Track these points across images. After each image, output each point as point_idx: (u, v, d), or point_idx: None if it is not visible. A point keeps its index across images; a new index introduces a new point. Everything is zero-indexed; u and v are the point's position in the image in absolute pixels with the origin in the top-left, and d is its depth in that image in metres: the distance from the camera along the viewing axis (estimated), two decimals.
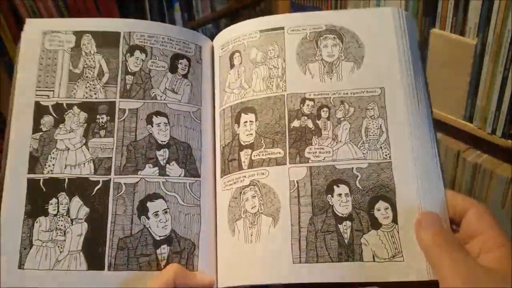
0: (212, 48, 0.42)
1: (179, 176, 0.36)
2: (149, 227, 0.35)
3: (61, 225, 0.35)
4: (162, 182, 0.36)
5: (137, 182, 0.36)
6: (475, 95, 1.03)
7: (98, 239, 0.34)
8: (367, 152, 0.35)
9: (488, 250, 0.28)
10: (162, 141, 0.37)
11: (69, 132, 0.37)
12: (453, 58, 1.01)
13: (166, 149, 0.37)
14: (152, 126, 0.37)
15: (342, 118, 0.36)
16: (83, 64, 0.38)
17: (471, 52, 0.98)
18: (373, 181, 0.34)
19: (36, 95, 0.37)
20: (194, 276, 0.34)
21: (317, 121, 0.36)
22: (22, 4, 1.09)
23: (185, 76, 0.39)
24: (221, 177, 0.37)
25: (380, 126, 0.35)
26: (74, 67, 0.38)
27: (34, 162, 0.36)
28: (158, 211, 0.35)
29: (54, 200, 0.35)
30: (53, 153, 0.36)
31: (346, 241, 0.33)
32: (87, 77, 0.38)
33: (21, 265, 0.34)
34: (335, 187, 0.34)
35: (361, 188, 0.34)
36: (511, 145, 1.01)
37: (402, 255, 0.32)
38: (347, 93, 0.36)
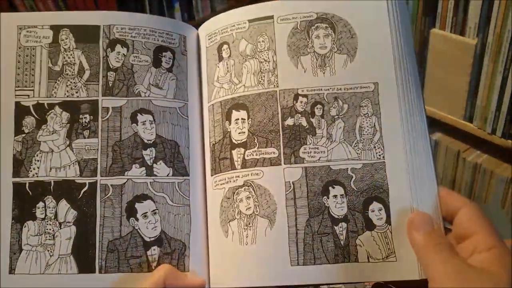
0: (198, 37, 0.40)
1: (167, 175, 0.35)
2: (139, 228, 0.34)
3: (50, 229, 0.34)
4: (150, 182, 0.35)
5: (124, 183, 0.35)
6: (475, 95, 1.02)
7: (88, 242, 0.34)
8: (361, 152, 0.34)
9: (479, 251, 0.28)
10: (148, 140, 0.36)
11: (52, 134, 0.36)
12: (453, 58, 1.00)
13: (153, 148, 0.36)
14: (137, 125, 0.36)
15: (336, 116, 0.35)
16: (62, 61, 0.37)
17: (471, 52, 0.97)
18: (367, 182, 0.34)
19: (16, 95, 0.36)
20: (185, 277, 0.33)
21: (311, 119, 0.35)
22: (22, 4, 1.06)
23: (169, 69, 0.37)
24: (212, 175, 0.36)
25: (374, 125, 0.34)
26: (53, 64, 0.37)
27: (19, 165, 0.35)
28: (147, 212, 0.34)
29: (41, 204, 0.35)
30: (37, 155, 0.35)
31: (342, 242, 0.33)
32: (67, 74, 0.37)
33: (11, 270, 0.34)
34: (330, 188, 0.34)
35: (355, 189, 0.34)
36: (511, 145, 1.00)
37: (395, 255, 0.32)
38: (340, 89, 0.35)
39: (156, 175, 0.35)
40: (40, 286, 0.33)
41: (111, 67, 0.37)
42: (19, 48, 0.36)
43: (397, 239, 0.32)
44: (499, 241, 0.28)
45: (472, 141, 1.09)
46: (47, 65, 0.36)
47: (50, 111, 0.36)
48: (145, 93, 0.36)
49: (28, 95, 0.36)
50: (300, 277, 0.33)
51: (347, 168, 0.34)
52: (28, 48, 0.37)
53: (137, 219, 0.34)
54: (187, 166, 0.36)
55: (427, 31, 1.03)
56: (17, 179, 0.35)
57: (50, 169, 0.35)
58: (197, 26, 0.40)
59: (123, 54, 0.37)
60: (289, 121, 0.35)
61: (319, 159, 0.34)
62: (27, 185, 0.35)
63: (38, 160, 0.35)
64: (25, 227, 0.34)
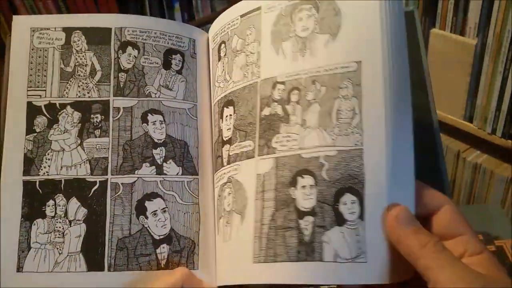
0: (208, 40, 0.41)
1: (177, 174, 0.36)
2: (148, 226, 0.35)
3: (59, 227, 0.35)
4: (160, 181, 0.36)
5: (134, 182, 0.35)
6: (475, 95, 1.03)
7: (97, 240, 0.34)
8: (336, 138, 0.30)
9: (471, 254, 0.27)
10: (158, 140, 0.36)
11: (64, 133, 0.36)
12: (453, 58, 1.01)
13: (163, 147, 0.36)
14: (148, 125, 0.37)
15: (313, 100, 0.31)
16: (74, 62, 0.37)
17: (471, 52, 0.98)
18: (342, 171, 0.29)
19: (28, 95, 0.37)
20: (200, 282, 0.34)
21: (287, 106, 0.32)
22: (22, 4, 1.07)
23: (179, 72, 0.38)
24: (213, 174, 0.37)
25: (354, 108, 0.30)
26: (65, 65, 0.37)
27: (29, 163, 0.35)
28: (156, 210, 0.35)
29: (51, 202, 0.35)
30: (48, 154, 0.36)
31: (306, 238, 0.29)
32: (79, 75, 0.37)
33: (19, 268, 0.34)
34: (299, 178, 0.30)
35: (327, 179, 0.30)
36: (511, 145, 1.01)
37: (366, 256, 0.28)
38: (319, 71, 0.31)
39: (166, 174, 0.36)
40: (48, 284, 0.33)
41: (123, 68, 0.37)
42: (32, 49, 0.37)
43: (370, 237, 0.28)
44: (484, 244, 0.27)
45: (472, 141, 1.10)
46: (59, 66, 0.37)
47: (62, 111, 0.37)
48: (155, 94, 0.37)
49: (40, 95, 0.37)
50: (260, 276, 0.30)
51: (319, 156, 0.30)
52: (40, 50, 0.37)
53: (146, 217, 0.35)
54: (196, 165, 0.37)
55: (427, 31, 1.03)
56: (28, 178, 0.35)
57: (61, 167, 0.36)
58: (197, 26, 0.40)
59: (134, 56, 0.38)
60: (266, 111, 0.33)
61: (290, 148, 0.31)
62: (37, 183, 0.35)
63: (49, 159, 0.36)
64: (34, 225, 0.34)
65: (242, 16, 0.36)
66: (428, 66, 0.43)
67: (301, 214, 0.30)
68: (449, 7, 1.00)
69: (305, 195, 0.30)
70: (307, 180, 0.30)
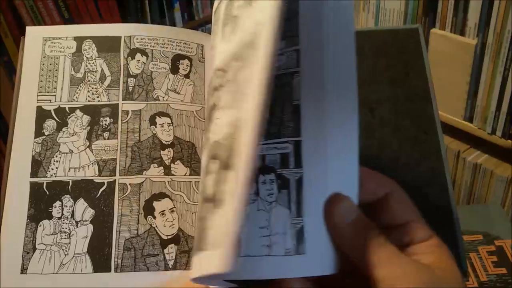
0: None
1: (184, 174, 0.36)
2: (156, 226, 0.35)
3: (66, 228, 0.34)
4: (168, 181, 0.36)
5: (142, 182, 0.36)
6: (475, 95, 1.03)
7: (104, 240, 0.34)
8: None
9: (419, 240, 0.25)
10: (166, 141, 0.37)
11: (73, 135, 0.37)
12: (453, 58, 1.01)
13: (170, 148, 0.37)
14: (156, 127, 0.37)
15: (230, 78, 0.28)
16: (84, 69, 0.39)
17: (471, 52, 0.98)
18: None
19: (38, 100, 0.37)
20: None
21: (219, 92, 0.30)
22: (22, 4, 1.09)
23: (186, 76, 0.40)
24: None
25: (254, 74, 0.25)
26: (75, 71, 0.39)
27: (37, 166, 0.36)
28: (164, 210, 0.35)
29: (58, 203, 0.35)
30: (56, 156, 0.36)
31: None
32: (89, 81, 0.38)
33: (23, 270, 0.33)
34: (210, 164, 0.28)
35: None
36: (511, 145, 1.02)
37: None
38: (240, 45, 0.28)
39: (173, 174, 0.36)
40: (53, 286, 0.33)
41: (131, 73, 0.39)
42: (43, 57, 0.38)
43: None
44: (431, 230, 0.25)
45: (472, 141, 1.10)
46: (69, 73, 0.38)
47: (71, 115, 0.37)
48: (163, 97, 0.38)
49: (50, 100, 0.38)
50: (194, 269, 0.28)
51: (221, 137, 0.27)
52: (51, 57, 0.39)
53: (154, 217, 0.35)
54: None
55: (427, 31, 1.04)
56: (35, 179, 0.35)
57: (69, 169, 0.36)
58: (198, 26, 0.41)
59: (143, 62, 0.39)
60: (210, 102, 0.30)
61: (213, 135, 0.29)
62: (44, 185, 0.35)
63: (57, 161, 0.36)
64: (40, 226, 0.34)
65: (214, 13, 0.35)
66: (432, 82, 0.45)
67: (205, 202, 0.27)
68: (449, 7, 1.00)
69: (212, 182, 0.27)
70: (215, 165, 0.27)
